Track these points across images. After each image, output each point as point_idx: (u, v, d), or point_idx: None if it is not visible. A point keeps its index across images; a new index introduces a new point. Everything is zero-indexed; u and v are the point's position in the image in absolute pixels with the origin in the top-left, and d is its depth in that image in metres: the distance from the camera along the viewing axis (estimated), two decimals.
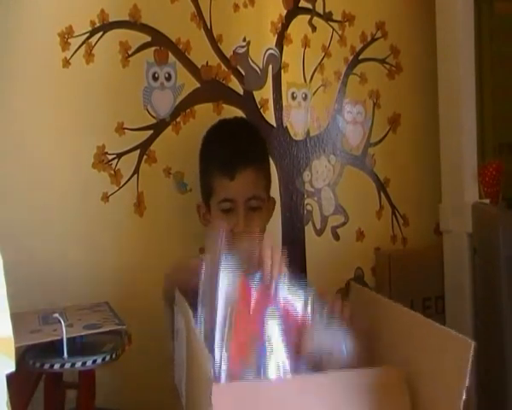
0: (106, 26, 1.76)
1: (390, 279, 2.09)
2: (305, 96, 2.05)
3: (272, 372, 1.13)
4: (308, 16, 2.05)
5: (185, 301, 1.20)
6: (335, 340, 1.22)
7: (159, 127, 1.84)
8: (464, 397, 0.92)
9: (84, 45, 1.74)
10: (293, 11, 2.02)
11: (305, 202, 2.04)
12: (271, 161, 1.90)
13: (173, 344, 1.32)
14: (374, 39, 2.15)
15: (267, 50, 1.98)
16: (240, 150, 1.69)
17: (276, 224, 1.95)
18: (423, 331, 1.12)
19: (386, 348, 1.27)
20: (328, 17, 2.07)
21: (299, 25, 2.03)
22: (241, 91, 1.95)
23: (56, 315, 1.36)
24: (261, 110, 1.98)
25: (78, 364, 1.34)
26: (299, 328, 1.23)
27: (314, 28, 2.05)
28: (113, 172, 1.78)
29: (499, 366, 1.70)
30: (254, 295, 1.18)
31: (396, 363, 1.19)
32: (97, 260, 1.76)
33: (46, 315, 1.48)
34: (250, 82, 1.96)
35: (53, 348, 1.35)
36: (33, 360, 1.35)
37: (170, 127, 1.85)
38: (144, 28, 1.81)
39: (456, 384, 0.93)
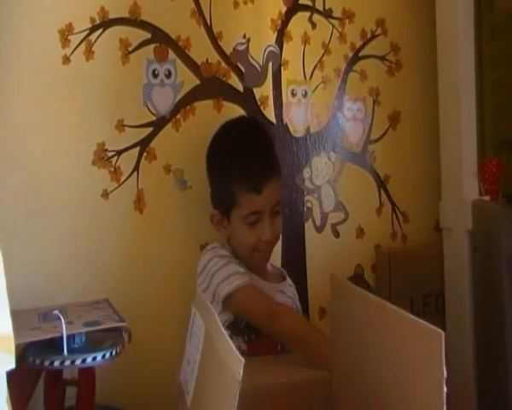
0: (106, 23, 1.76)
1: (390, 276, 2.09)
2: (305, 93, 2.05)
3: None
4: (308, 13, 2.05)
5: (207, 301, 1.21)
6: None
7: (159, 124, 1.83)
8: (445, 389, 0.92)
9: (84, 42, 1.73)
10: (293, 8, 2.02)
11: (305, 199, 2.04)
12: None
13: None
14: (374, 36, 2.15)
15: (267, 47, 1.99)
16: (264, 164, 1.71)
17: None
18: (397, 324, 1.13)
19: (363, 341, 1.28)
20: (328, 14, 2.07)
21: (299, 22, 2.03)
22: (241, 88, 1.95)
23: (56, 312, 1.36)
24: (261, 107, 1.98)
25: (78, 361, 1.34)
26: None
27: (314, 25, 2.05)
28: (113, 169, 1.77)
29: (500, 363, 1.71)
30: None
31: (372, 356, 1.20)
32: (97, 257, 1.75)
33: (46, 312, 1.48)
34: (250, 79, 1.97)
35: (53, 346, 1.35)
36: (33, 357, 1.35)
37: (170, 124, 1.85)
38: (144, 25, 1.81)
39: (434, 376, 0.94)
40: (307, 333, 1.55)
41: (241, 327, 1.67)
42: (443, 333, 0.92)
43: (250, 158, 1.70)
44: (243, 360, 0.89)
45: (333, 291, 1.43)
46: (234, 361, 0.92)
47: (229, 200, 1.71)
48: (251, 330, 1.67)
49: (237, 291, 1.60)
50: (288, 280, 1.85)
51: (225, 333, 1.02)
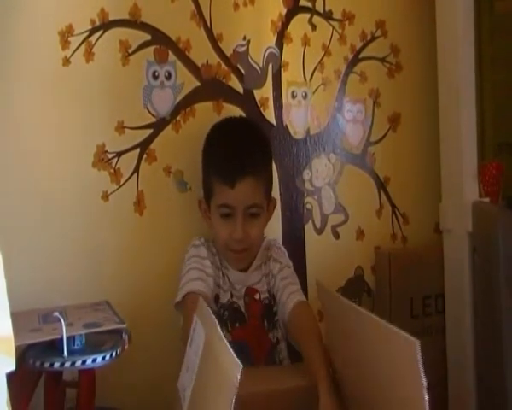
0: (106, 25, 1.76)
1: (390, 278, 2.09)
2: (305, 94, 2.05)
3: None
4: (308, 15, 2.05)
5: (210, 310, 1.22)
6: None
7: (159, 126, 1.84)
8: (427, 397, 0.92)
9: (84, 44, 1.73)
10: (293, 10, 2.02)
11: (305, 201, 2.04)
12: None
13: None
14: (374, 38, 2.15)
15: (267, 49, 1.99)
16: (242, 159, 1.69)
17: (276, 223, 1.96)
18: (377, 333, 1.14)
19: (344, 350, 1.30)
20: (328, 16, 2.07)
21: (299, 23, 2.03)
22: (241, 90, 1.95)
23: (56, 314, 1.36)
24: (261, 109, 1.98)
25: (78, 363, 1.34)
26: None
27: (314, 27, 2.05)
28: (113, 170, 1.78)
29: (498, 364, 1.71)
30: None
31: (352, 366, 1.22)
32: (97, 259, 1.76)
33: (46, 314, 1.48)
34: (250, 81, 1.97)
35: (53, 347, 1.35)
36: (33, 359, 1.35)
37: (170, 126, 1.85)
38: (144, 27, 1.81)
39: (414, 385, 0.94)
40: None
41: (223, 318, 1.68)
42: (417, 342, 0.92)
43: (231, 151, 1.71)
44: (241, 365, 0.90)
45: (321, 298, 1.45)
46: (232, 366, 0.93)
47: (209, 188, 1.74)
48: (234, 319, 1.69)
49: (182, 300, 1.62)
50: (264, 246, 1.83)
51: (226, 340, 1.03)
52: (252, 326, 1.71)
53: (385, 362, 1.08)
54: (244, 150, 1.72)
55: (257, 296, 1.74)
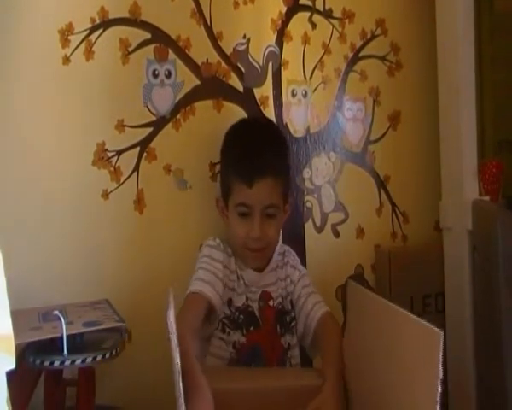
0: (106, 23, 1.76)
1: (390, 276, 2.09)
2: (305, 93, 2.05)
3: None
4: (308, 13, 2.04)
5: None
6: None
7: (159, 124, 1.83)
8: (440, 390, 0.93)
9: (84, 42, 1.73)
10: (294, 8, 2.02)
11: (305, 199, 2.04)
12: None
13: None
14: (374, 36, 2.15)
15: (267, 47, 1.98)
16: (260, 159, 1.70)
17: None
18: (403, 325, 1.16)
19: (373, 342, 1.32)
20: (328, 14, 2.07)
21: (300, 22, 2.03)
22: (241, 88, 1.95)
23: (56, 312, 1.36)
24: (261, 107, 1.98)
25: (78, 361, 1.34)
26: None
27: (314, 25, 2.05)
28: (113, 169, 1.78)
29: (498, 364, 1.71)
30: None
31: (378, 355, 1.24)
32: (97, 258, 1.76)
33: (46, 312, 1.48)
34: (250, 79, 1.97)
35: (53, 346, 1.35)
36: (33, 357, 1.36)
37: (170, 124, 1.85)
38: (144, 25, 1.81)
39: (431, 376, 0.95)
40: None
41: (238, 322, 1.68)
42: (441, 333, 0.92)
43: (250, 151, 1.71)
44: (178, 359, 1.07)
45: (349, 295, 1.48)
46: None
47: (227, 187, 1.74)
48: (249, 323, 1.69)
49: (186, 297, 1.59)
50: (278, 251, 1.84)
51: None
52: (266, 330, 1.71)
53: (406, 350, 1.10)
54: (263, 150, 1.72)
55: (271, 303, 1.74)
